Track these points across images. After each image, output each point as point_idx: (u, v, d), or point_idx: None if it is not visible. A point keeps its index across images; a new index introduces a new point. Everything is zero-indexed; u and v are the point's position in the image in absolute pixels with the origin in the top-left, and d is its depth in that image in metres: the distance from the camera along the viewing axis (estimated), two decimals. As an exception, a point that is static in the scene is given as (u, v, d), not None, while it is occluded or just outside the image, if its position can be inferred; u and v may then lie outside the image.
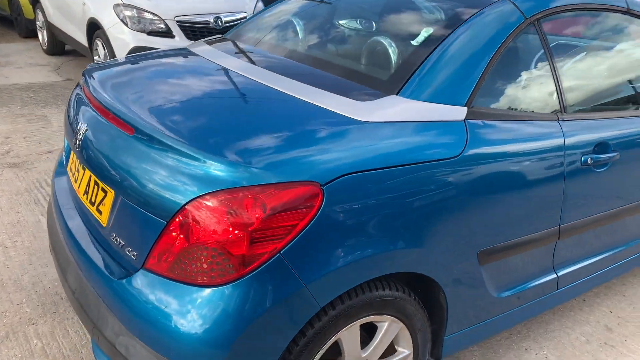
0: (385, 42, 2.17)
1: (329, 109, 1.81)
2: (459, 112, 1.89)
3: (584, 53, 2.40)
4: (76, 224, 2.00)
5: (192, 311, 1.51)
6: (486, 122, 1.95)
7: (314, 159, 1.59)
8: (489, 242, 2.00)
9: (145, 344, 1.58)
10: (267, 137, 1.64)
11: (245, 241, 1.49)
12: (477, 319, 2.15)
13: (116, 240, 1.74)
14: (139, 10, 5.41)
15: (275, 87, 1.99)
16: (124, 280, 1.66)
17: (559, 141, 2.13)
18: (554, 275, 2.37)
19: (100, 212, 1.83)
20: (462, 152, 1.83)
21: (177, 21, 5.47)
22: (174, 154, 1.59)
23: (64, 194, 2.19)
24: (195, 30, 5.54)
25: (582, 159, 2.21)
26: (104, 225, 1.80)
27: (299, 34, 2.57)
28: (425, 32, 2.08)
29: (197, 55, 2.48)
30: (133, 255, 1.66)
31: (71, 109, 2.21)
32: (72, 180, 2.09)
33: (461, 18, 2.06)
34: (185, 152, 1.57)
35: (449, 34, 2.00)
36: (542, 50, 2.17)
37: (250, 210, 1.49)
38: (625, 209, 2.54)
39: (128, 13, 5.35)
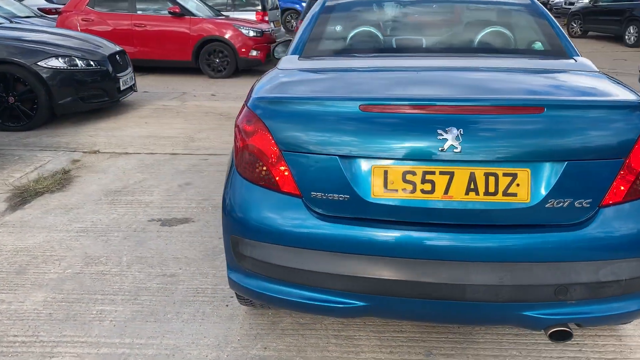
0: (520, 29, 2.91)
1: (580, 69, 2.46)
2: None
3: None
4: (451, 232, 1.98)
5: None
6: None
7: None
8: None
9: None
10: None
11: None
12: None
13: (556, 204, 1.95)
14: None
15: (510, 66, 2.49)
16: (585, 228, 1.96)
17: None
18: None
19: (513, 195, 1.95)
20: None
21: None
22: (605, 111, 1.99)
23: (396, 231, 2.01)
24: None
25: None
26: (527, 201, 1.95)
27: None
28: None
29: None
30: (585, 204, 1.96)
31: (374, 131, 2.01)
32: (415, 194, 1.97)
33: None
34: (613, 106, 2.01)
35: (548, 15, 2.90)
36: None
37: None
38: None
39: None
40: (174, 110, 7.07)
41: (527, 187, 1.95)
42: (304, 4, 17.70)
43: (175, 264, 3.15)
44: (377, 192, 2.00)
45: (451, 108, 1.97)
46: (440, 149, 1.93)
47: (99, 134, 5.92)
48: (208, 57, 9.84)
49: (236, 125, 2.27)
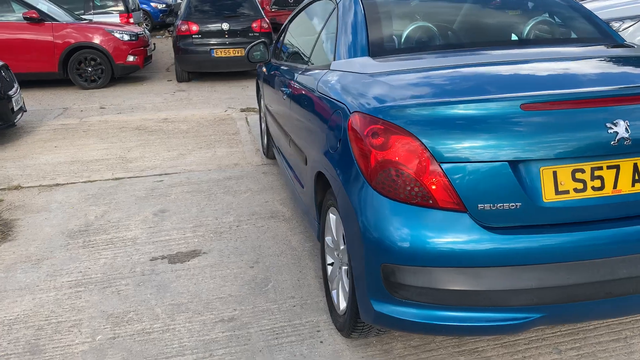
0: (566, 17, 2.95)
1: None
2: None
3: None
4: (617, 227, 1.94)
5: None
6: None
7: None
8: None
9: None
10: None
11: None
12: None
13: None
14: None
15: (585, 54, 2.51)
16: None
17: None
18: None
19: None
20: None
21: None
22: None
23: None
24: None
25: None
26: None
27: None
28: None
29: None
30: None
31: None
32: (587, 193, 1.91)
33: None
34: None
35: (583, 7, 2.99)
36: None
37: None
38: None
39: None
40: (79, 129, 6.18)
41: None
42: (153, 4, 16.73)
43: (224, 305, 2.73)
44: (549, 196, 1.90)
45: (616, 100, 1.94)
46: (612, 142, 1.89)
47: (5, 165, 4.96)
48: (78, 67, 8.82)
49: (360, 139, 2.02)
